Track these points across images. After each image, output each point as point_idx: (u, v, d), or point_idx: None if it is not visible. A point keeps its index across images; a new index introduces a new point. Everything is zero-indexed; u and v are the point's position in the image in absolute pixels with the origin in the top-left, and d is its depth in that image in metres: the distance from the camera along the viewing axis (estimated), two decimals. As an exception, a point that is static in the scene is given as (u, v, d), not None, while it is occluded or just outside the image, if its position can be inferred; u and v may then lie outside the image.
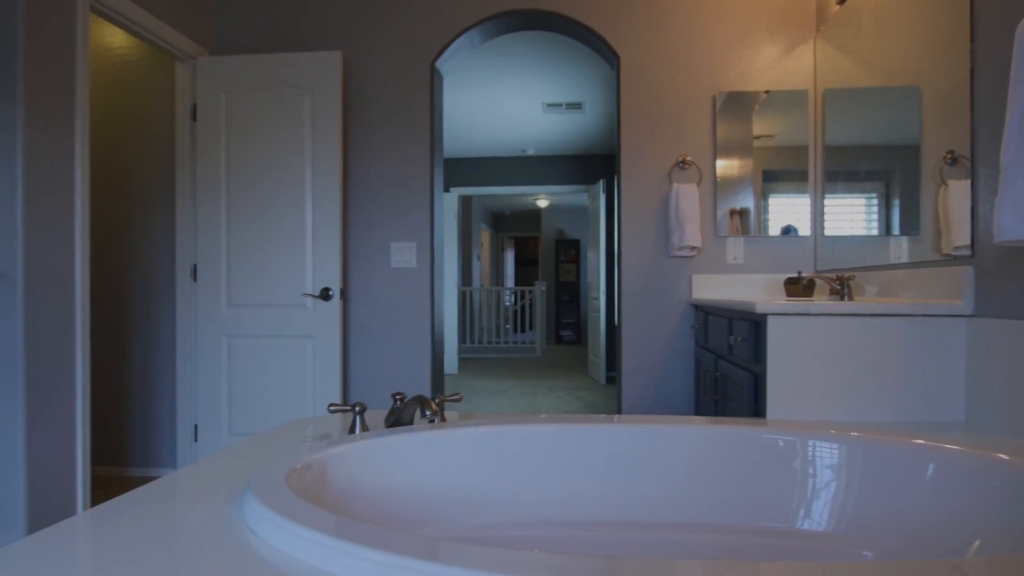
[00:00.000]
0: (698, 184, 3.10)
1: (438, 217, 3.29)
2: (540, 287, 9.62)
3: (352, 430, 1.56)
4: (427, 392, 3.17)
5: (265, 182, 3.09)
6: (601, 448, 1.53)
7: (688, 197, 3.02)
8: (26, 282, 2.24)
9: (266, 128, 3.08)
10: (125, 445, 3.42)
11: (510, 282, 14.12)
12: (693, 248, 3.05)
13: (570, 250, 12.20)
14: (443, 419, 1.64)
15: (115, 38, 3.40)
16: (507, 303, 12.33)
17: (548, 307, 11.82)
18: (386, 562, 0.82)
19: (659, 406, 3.13)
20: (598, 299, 6.81)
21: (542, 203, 10.97)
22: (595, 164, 7.38)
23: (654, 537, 1.39)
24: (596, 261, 6.90)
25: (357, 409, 1.57)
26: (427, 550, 0.83)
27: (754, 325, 2.01)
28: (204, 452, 3.16)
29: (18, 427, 2.22)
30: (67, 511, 2.40)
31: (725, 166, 3.11)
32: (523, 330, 11.58)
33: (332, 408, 1.56)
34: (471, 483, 1.53)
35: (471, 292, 9.85)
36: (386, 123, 3.23)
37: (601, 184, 6.66)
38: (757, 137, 3.13)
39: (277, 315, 3.09)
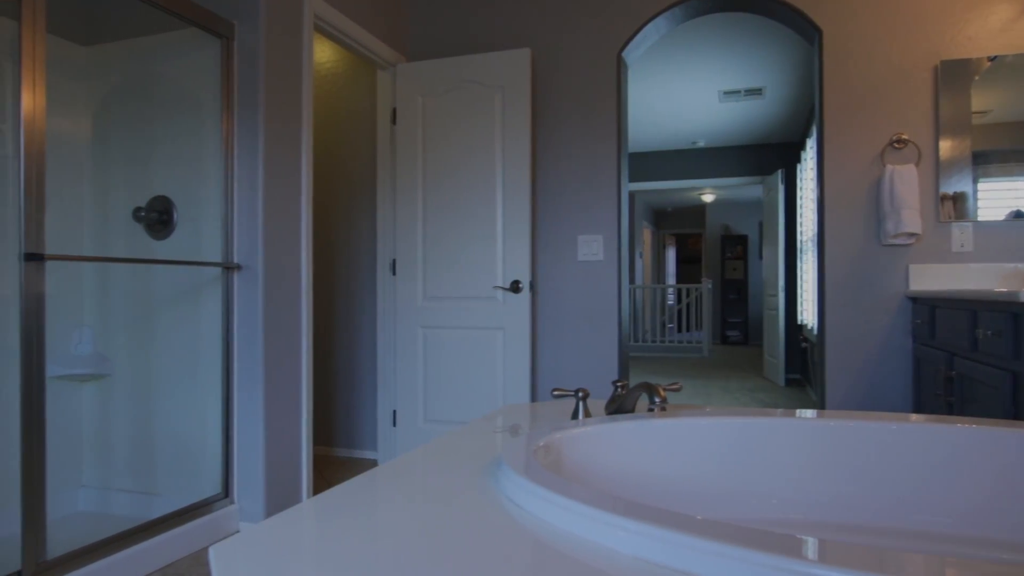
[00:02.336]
0: (916, 164, 2.80)
1: (625, 209, 3.26)
2: (706, 285, 9.26)
3: (575, 415, 1.57)
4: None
5: (458, 179, 3.23)
6: (847, 446, 1.41)
7: (905, 179, 2.73)
8: (264, 275, 2.50)
9: (459, 127, 3.22)
10: (331, 427, 3.73)
11: (671, 281, 13.75)
12: (911, 235, 2.76)
13: (736, 246, 11.62)
14: (663, 408, 1.60)
15: (323, 53, 3.72)
16: (670, 302, 12.01)
17: (714, 306, 11.35)
18: (644, 532, 0.82)
19: (869, 408, 2.86)
20: (775, 296, 6.41)
21: (707, 198, 10.56)
22: (773, 153, 6.96)
23: (931, 548, 1.26)
24: (772, 257, 6.51)
25: (580, 395, 1.57)
26: (686, 524, 0.81)
27: (1013, 317, 1.76)
28: (402, 437, 3.36)
29: (258, 407, 2.48)
30: (294, 486, 2.65)
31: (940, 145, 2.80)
32: (686, 329, 11.21)
33: (555, 393, 1.58)
34: (699, 474, 1.48)
35: (634, 291, 9.70)
36: (573, 115, 3.24)
37: (780, 174, 6.26)
38: (976, 112, 2.78)
39: (469, 307, 3.21)
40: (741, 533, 0.79)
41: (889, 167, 2.78)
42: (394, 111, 3.37)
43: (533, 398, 3.24)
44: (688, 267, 14.49)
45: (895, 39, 2.84)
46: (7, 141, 2.43)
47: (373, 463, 3.51)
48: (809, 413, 1.49)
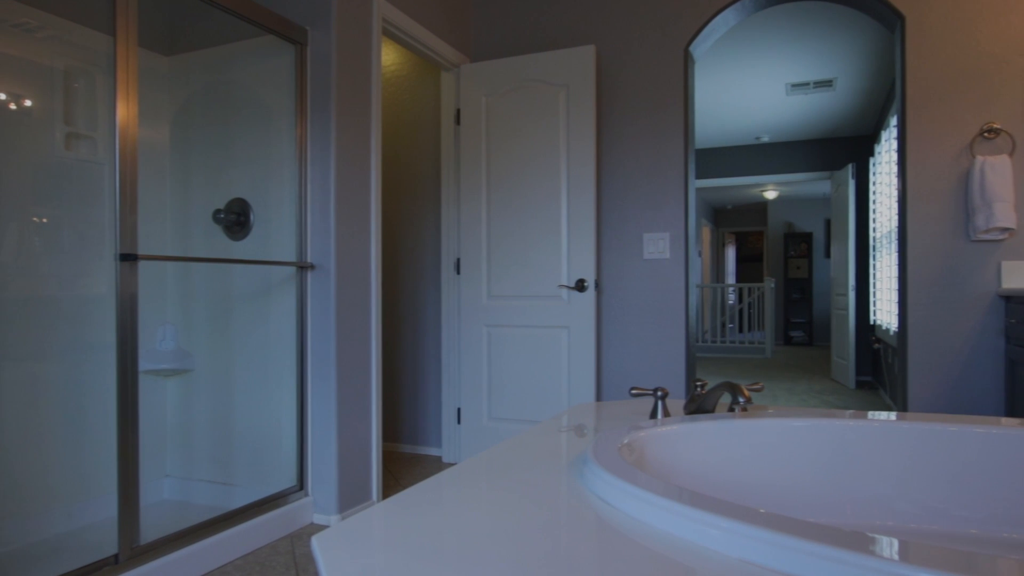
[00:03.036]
0: (1010, 155, 2.65)
1: (692, 207, 3.19)
2: (769, 284, 9.01)
3: (654, 415, 1.54)
4: (681, 383, 3.09)
5: (522, 178, 3.23)
6: (944, 450, 1.34)
7: (997, 171, 2.59)
8: (336, 274, 2.55)
9: (523, 126, 3.22)
10: (397, 424, 3.79)
11: (731, 279, 13.45)
12: (1004, 230, 2.61)
13: (800, 244, 11.26)
14: (744, 409, 1.56)
15: (388, 56, 3.78)
16: (730, 301, 11.74)
17: (776, 305, 11.04)
18: (736, 530, 0.81)
19: (956, 411, 2.72)
20: (845, 295, 6.18)
21: (769, 194, 10.27)
22: (842, 147, 6.72)
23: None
24: (842, 254, 6.28)
25: (659, 394, 1.55)
26: (794, 527, 0.78)
27: None
28: (466, 434, 3.38)
29: (331, 402, 2.54)
30: (365, 480, 2.69)
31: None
32: (747, 330, 10.94)
33: (634, 392, 1.56)
34: (784, 477, 1.43)
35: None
36: (638, 112, 3.20)
37: (850, 169, 6.04)
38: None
39: (534, 306, 3.21)
40: (851, 538, 0.76)
41: (979, 158, 2.64)
42: (458, 112, 3.40)
43: (598, 397, 3.21)
44: (748, 265, 14.14)
45: (985, 23, 2.69)
46: (97, 148, 2.56)
47: (437, 460, 3.55)
48: (895, 415, 1.43)
